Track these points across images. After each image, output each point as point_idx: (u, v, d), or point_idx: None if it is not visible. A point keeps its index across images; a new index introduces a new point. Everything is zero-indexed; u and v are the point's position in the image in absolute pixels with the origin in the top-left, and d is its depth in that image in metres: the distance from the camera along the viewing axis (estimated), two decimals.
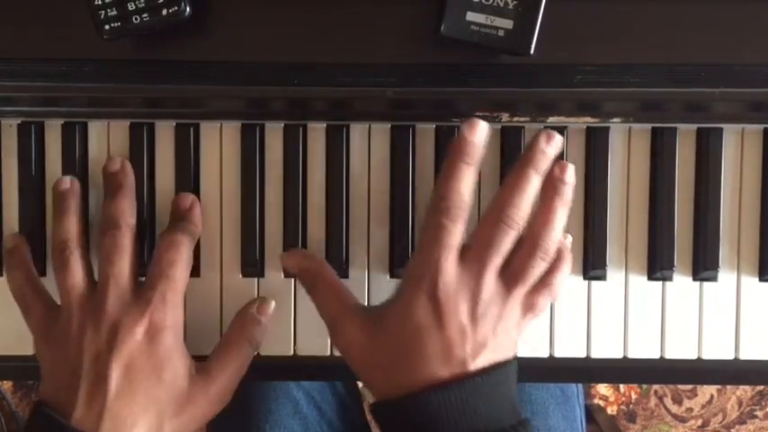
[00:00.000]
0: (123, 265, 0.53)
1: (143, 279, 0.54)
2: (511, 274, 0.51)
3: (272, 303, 0.57)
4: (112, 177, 0.56)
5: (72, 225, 0.55)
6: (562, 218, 0.52)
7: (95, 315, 0.52)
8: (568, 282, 0.56)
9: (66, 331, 0.53)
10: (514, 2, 0.52)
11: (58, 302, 0.55)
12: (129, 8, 0.52)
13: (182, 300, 0.54)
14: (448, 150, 0.52)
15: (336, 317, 0.53)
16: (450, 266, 0.50)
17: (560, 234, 0.52)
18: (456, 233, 0.50)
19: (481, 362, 0.50)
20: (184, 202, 0.57)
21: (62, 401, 0.51)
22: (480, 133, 0.52)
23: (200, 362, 0.55)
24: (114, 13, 0.52)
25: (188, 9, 0.52)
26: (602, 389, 1.49)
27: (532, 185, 0.52)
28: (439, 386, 0.49)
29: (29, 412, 0.53)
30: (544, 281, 0.53)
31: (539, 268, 0.51)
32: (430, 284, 0.50)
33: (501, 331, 0.51)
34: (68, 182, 0.56)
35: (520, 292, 0.51)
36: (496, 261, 0.51)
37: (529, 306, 0.52)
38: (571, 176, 0.52)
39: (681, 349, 0.59)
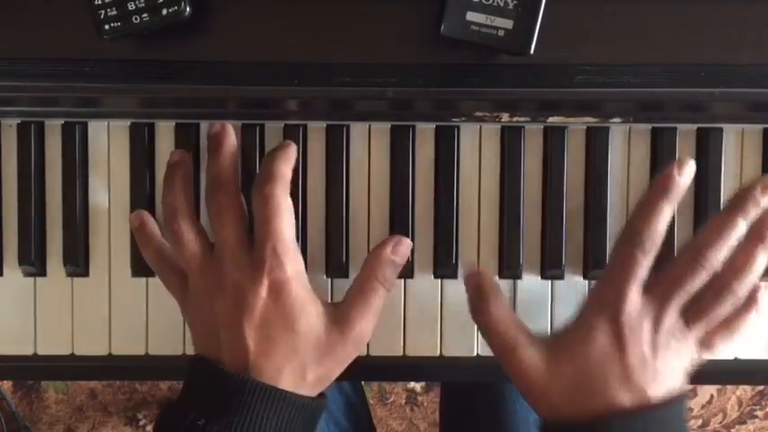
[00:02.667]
0: (232, 227, 0.53)
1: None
2: (696, 313, 0.52)
3: (409, 243, 0.56)
4: (213, 139, 0.56)
5: (179, 194, 0.55)
6: (761, 265, 0.52)
7: (217, 281, 0.53)
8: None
9: (196, 298, 0.54)
10: (514, 2, 0.52)
11: None
12: (129, 8, 0.52)
13: (295, 246, 0.53)
14: (651, 183, 0.53)
15: (515, 343, 0.53)
16: (635, 296, 0.51)
17: (755, 279, 0.52)
18: (645, 266, 0.51)
19: (660, 392, 0.51)
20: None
21: (211, 358, 0.53)
22: (689, 175, 0.52)
23: (336, 306, 0.54)
24: (114, 13, 0.52)
25: (188, 9, 0.52)
26: None
27: (738, 232, 0.51)
28: (620, 413, 0.50)
29: (188, 365, 0.54)
30: (728, 322, 0.53)
31: (725, 310, 0.52)
32: (614, 311, 0.51)
33: (678, 365, 0.52)
34: (178, 154, 0.56)
35: (701, 330, 0.52)
36: (682, 298, 0.52)
37: (706, 345, 0.53)
38: None
39: None
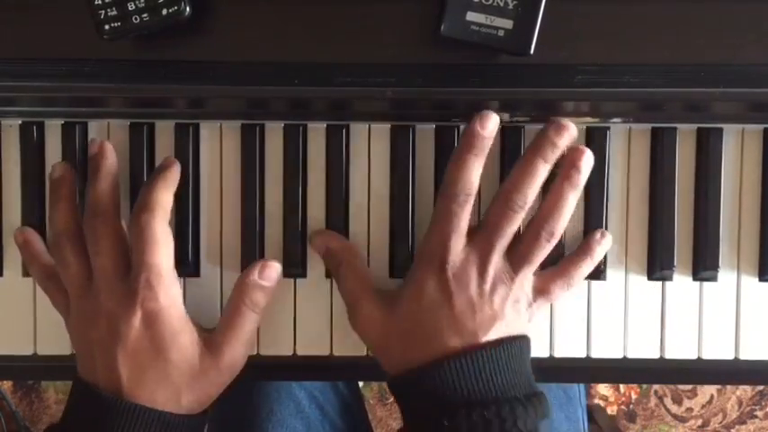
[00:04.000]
0: (107, 255, 0.53)
1: None
2: (517, 255, 0.54)
3: (276, 266, 0.56)
4: (91, 161, 0.56)
5: (65, 216, 0.55)
6: (571, 203, 0.54)
7: (93, 309, 0.53)
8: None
9: (75, 321, 0.55)
10: (514, 2, 0.52)
11: None
12: (129, 8, 0.52)
13: (171, 275, 0.53)
14: (460, 139, 0.54)
15: (357, 297, 0.55)
16: (458, 246, 0.53)
17: (567, 217, 0.54)
18: (463, 217, 0.53)
19: (493, 335, 0.52)
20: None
21: (89, 380, 0.53)
22: (490, 126, 0.53)
23: (209, 333, 0.55)
24: (114, 13, 0.52)
25: (188, 9, 0.52)
26: (602, 389, 1.49)
27: (539, 173, 0.54)
28: (452, 355, 0.51)
29: (71, 386, 0.55)
30: (561, 268, 0.56)
31: (543, 249, 0.54)
32: (439, 263, 0.53)
33: (510, 308, 0.53)
34: (60, 170, 0.56)
35: (526, 271, 0.54)
36: (502, 242, 0.53)
37: (541, 290, 0.55)
38: (586, 163, 0.54)
39: (681, 349, 0.59)
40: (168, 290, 0.53)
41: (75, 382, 0.54)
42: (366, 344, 0.56)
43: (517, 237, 0.54)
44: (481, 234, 0.54)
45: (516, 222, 0.54)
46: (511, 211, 0.53)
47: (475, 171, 0.53)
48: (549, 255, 0.55)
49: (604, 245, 0.57)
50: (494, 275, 0.53)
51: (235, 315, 0.54)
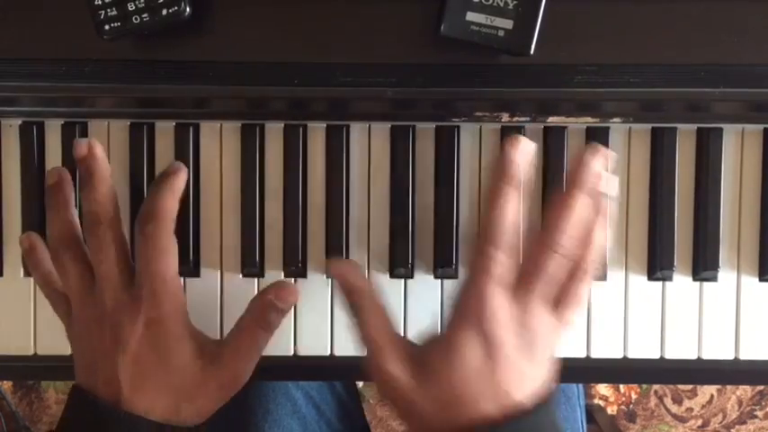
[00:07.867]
0: (110, 263, 0.53)
1: None
2: (563, 302, 0.50)
3: (294, 289, 0.55)
4: (81, 164, 0.54)
5: (62, 223, 0.54)
6: (600, 234, 0.50)
7: (96, 315, 0.53)
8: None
9: (77, 329, 0.54)
10: (514, 2, 0.52)
11: None
12: (129, 8, 0.52)
13: (175, 284, 0.53)
14: (492, 172, 0.50)
15: (380, 350, 0.50)
16: (498, 299, 0.48)
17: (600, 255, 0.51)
18: (502, 263, 0.48)
19: (531, 398, 0.49)
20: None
21: (87, 389, 0.53)
22: (523, 153, 0.49)
23: (216, 344, 0.54)
24: (114, 13, 0.52)
25: (188, 9, 0.52)
26: (602, 389, 1.49)
27: (580, 209, 0.49)
28: (490, 423, 0.48)
29: (69, 396, 0.54)
30: (574, 295, 0.51)
31: (584, 291, 0.50)
32: (478, 321, 0.48)
33: (548, 359, 0.50)
34: (55, 175, 0.55)
35: (570, 318, 0.50)
36: (545, 288, 0.49)
37: (565, 323, 0.51)
38: (614, 189, 0.51)
39: (681, 349, 0.59)
40: (173, 298, 0.52)
41: (73, 391, 0.54)
42: (384, 396, 0.51)
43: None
44: (521, 280, 0.49)
45: (560, 264, 0.49)
46: (553, 251, 0.49)
47: (512, 205, 0.49)
48: None
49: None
50: (536, 328, 0.49)
51: (245, 332, 0.54)
